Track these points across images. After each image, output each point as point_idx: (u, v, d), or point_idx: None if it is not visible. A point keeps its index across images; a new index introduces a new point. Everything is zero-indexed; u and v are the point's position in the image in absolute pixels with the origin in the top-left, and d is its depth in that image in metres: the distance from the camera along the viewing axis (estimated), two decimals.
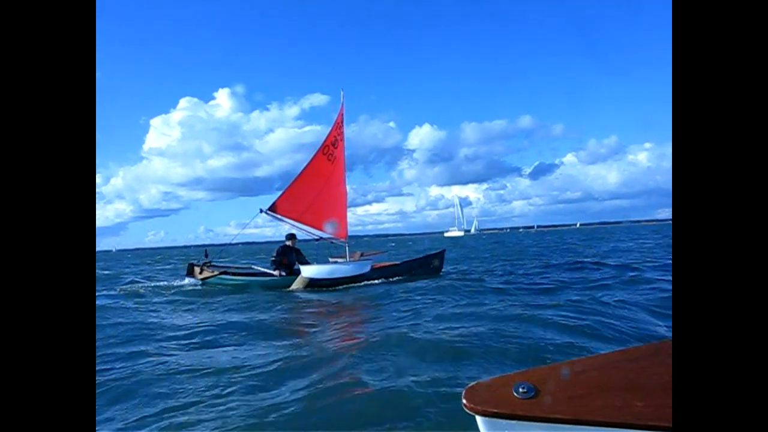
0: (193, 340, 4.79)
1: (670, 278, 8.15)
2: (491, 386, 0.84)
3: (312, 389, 3.02)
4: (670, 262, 10.93)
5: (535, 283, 8.30)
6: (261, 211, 9.89)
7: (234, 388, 3.14)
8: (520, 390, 0.82)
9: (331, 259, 12.55)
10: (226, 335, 4.96)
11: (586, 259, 12.76)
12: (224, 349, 4.41)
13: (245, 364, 3.72)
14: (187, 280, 10.62)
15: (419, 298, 6.78)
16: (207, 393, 3.07)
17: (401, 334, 4.19)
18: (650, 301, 5.61)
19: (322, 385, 3.08)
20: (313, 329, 5.18)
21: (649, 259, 12.03)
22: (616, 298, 5.81)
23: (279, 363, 3.69)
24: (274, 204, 9.89)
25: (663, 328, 4.31)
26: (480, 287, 7.68)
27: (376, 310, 6.28)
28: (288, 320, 5.95)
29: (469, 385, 0.84)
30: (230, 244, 15.23)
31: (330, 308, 6.82)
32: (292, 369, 3.50)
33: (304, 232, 10.15)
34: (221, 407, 2.81)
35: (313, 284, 9.08)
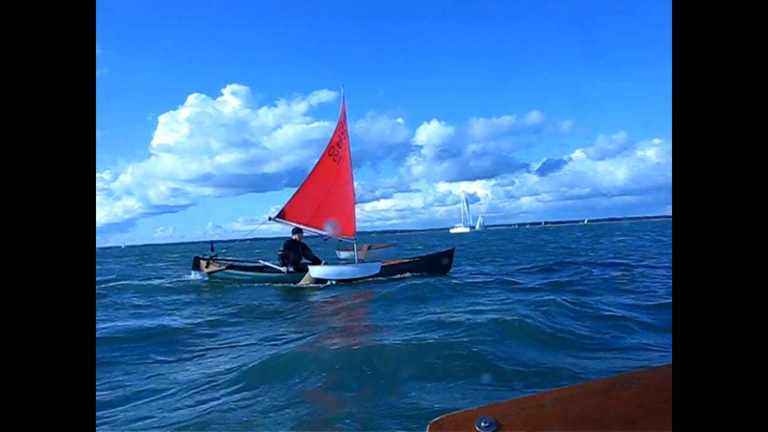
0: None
1: (631, 278, 8.11)
2: (455, 421, 0.87)
3: (254, 400, 2.94)
4: (645, 261, 11.03)
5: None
6: (269, 218, 9.89)
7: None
8: (483, 425, 0.85)
9: (338, 252, 12.60)
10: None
11: (575, 259, 12.75)
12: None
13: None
14: (193, 274, 10.72)
15: (420, 298, 6.74)
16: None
17: (381, 343, 4.06)
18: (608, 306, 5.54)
19: (265, 395, 3.00)
20: (292, 332, 5.05)
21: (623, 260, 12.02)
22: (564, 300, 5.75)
23: (246, 365, 3.62)
24: (282, 211, 9.92)
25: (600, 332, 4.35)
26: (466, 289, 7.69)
27: (372, 312, 6.29)
28: (278, 320, 5.90)
29: (433, 420, 0.88)
30: (240, 241, 15.39)
31: (327, 310, 6.77)
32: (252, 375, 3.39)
33: (313, 234, 10.24)
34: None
35: (320, 281, 9.16)
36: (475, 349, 3.66)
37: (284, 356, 3.77)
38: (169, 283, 10.59)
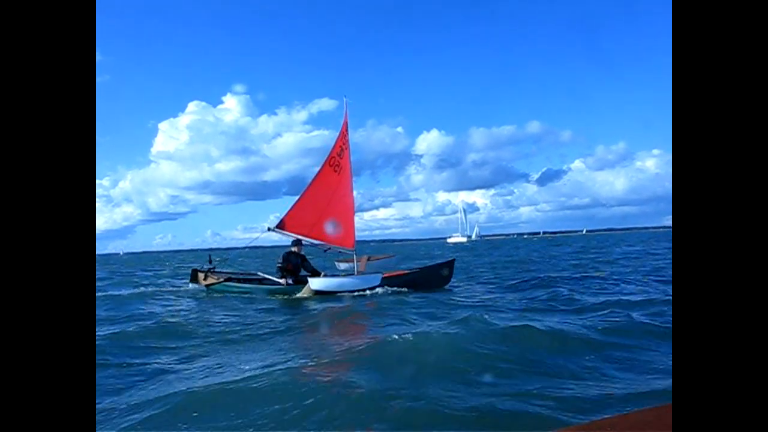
0: None
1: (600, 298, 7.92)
2: None
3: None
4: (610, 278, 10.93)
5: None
6: (269, 229, 9.76)
7: None
8: None
9: (337, 263, 12.50)
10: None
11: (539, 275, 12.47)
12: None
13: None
14: (191, 287, 10.62)
15: (407, 316, 6.50)
16: None
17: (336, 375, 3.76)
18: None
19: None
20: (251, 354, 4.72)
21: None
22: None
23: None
24: (282, 221, 9.81)
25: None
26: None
27: (359, 328, 6.23)
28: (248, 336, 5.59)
29: None
30: (238, 248, 15.31)
31: (311, 323, 6.62)
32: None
33: (313, 246, 10.15)
34: None
35: (319, 293, 9.07)
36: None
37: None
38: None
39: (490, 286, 10.25)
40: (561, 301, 7.30)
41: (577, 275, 11.45)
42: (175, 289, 10.79)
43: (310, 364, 4.05)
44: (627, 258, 17.75)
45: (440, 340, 4.40)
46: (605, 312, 5.94)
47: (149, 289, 11.60)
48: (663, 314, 5.63)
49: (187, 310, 7.89)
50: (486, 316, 5.47)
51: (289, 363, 4.06)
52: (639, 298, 7.08)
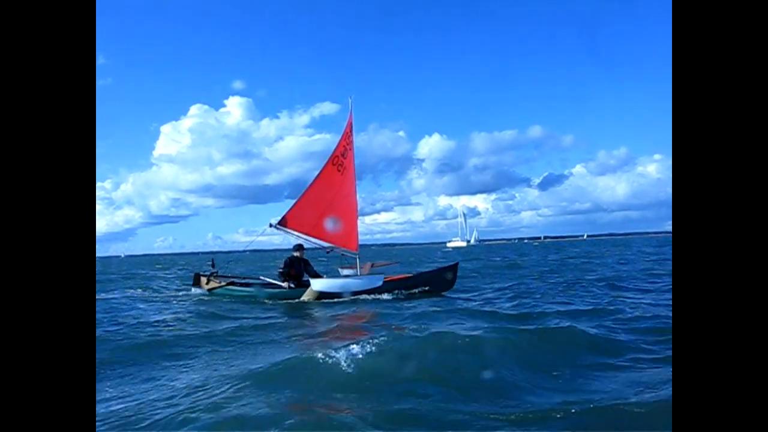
0: None
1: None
2: None
3: None
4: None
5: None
6: (270, 225, 9.62)
7: None
8: None
9: (340, 270, 12.46)
10: None
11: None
12: None
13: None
14: (193, 291, 10.57)
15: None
16: None
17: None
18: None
19: None
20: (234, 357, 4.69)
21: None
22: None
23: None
24: (284, 218, 9.63)
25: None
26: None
27: (351, 331, 6.18)
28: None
29: None
30: (239, 252, 15.28)
31: (304, 326, 6.53)
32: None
33: (315, 245, 9.99)
34: None
35: (322, 296, 8.99)
36: None
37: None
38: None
39: (460, 293, 10.09)
40: (503, 308, 7.34)
41: (543, 283, 11.61)
42: (141, 294, 10.69)
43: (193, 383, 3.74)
44: (608, 266, 17.78)
45: (356, 356, 4.01)
46: (542, 319, 5.98)
47: (114, 294, 11.32)
48: (584, 321, 5.72)
49: (131, 315, 7.65)
50: (424, 325, 5.50)
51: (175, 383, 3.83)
52: (576, 308, 7.06)
